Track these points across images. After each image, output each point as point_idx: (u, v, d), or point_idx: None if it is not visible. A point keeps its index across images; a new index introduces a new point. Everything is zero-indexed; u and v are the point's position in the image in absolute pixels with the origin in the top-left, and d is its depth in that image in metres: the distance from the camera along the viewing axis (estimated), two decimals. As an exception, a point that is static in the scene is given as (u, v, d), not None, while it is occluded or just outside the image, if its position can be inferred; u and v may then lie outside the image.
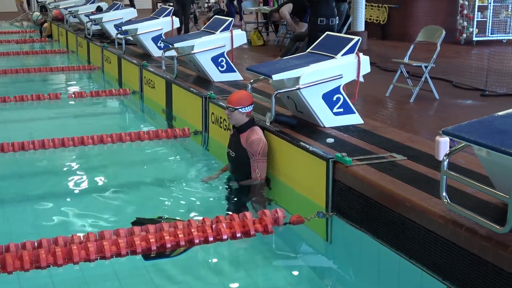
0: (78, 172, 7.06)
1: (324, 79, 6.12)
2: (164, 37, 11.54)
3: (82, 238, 4.63)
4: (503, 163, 3.59)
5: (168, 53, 9.77)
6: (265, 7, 17.52)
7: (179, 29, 15.45)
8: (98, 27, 14.77)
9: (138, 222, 5.17)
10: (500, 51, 12.34)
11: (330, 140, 5.69)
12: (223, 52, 8.97)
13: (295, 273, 4.95)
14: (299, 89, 6.01)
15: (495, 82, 9.66)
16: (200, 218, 4.99)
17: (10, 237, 4.93)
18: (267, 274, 4.88)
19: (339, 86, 6.26)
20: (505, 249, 3.40)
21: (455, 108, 8.54)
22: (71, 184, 6.64)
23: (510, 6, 15.68)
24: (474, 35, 15.30)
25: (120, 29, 12.48)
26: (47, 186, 6.58)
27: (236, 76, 9.11)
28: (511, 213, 3.38)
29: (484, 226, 3.60)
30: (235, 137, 6.08)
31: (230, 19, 9.36)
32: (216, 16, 10.60)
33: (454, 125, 3.86)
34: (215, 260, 5.04)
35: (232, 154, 6.11)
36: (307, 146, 5.51)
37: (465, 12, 15.35)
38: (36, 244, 4.52)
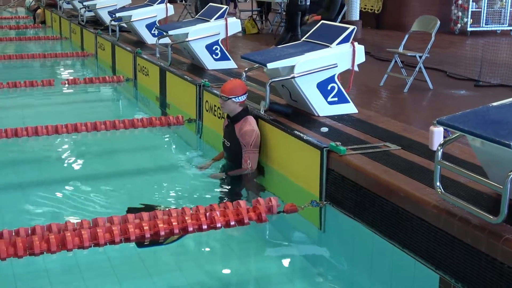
0: (71, 159, 7.06)
1: (319, 68, 6.11)
2: (158, 24, 11.50)
3: (75, 225, 4.62)
4: (496, 153, 3.61)
5: (162, 41, 9.74)
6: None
7: None
8: (92, 13, 14.72)
9: (132, 210, 5.17)
10: (494, 41, 12.35)
11: (324, 129, 5.69)
12: (218, 40, 8.96)
13: (288, 261, 4.97)
14: (293, 77, 6.00)
15: (489, 73, 9.67)
16: (194, 206, 4.98)
17: (3, 223, 4.93)
18: (261, 262, 4.90)
19: (334, 75, 6.25)
20: (498, 239, 3.42)
21: (449, 98, 8.55)
22: (64, 171, 6.65)
23: (504, -4, 15.68)
24: (468, 26, 15.30)
25: (114, 15, 12.43)
26: (41, 173, 6.58)
27: (230, 64, 9.10)
28: (504, 203, 3.39)
29: (478, 216, 3.61)
30: (230, 127, 6.07)
31: (225, 6, 9.34)
32: (210, 4, 10.56)
33: (448, 115, 3.86)
34: (208, 248, 5.06)
35: (227, 144, 6.11)
36: (301, 135, 5.51)
37: (460, 2, 15.34)
38: (29, 231, 4.51)
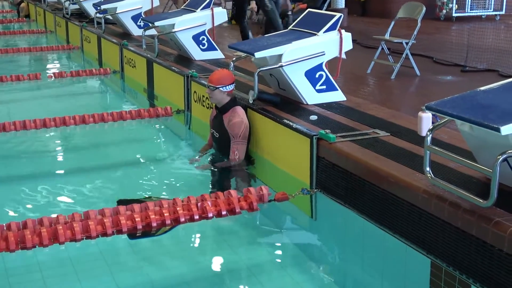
0: (60, 153, 7.05)
1: (307, 56, 6.11)
2: (144, 16, 11.46)
3: (67, 218, 4.61)
4: (485, 137, 3.63)
5: (149, 32, 9.71)
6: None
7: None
8: (76, 6, 14.62)
9: (122, 202, 5.16)
10: (480, 26, 12.40)
11: (313, 117, 5.70)
12: (204, 30, 8.93)
13: (280, 249, 4.99)
14: (281, 66, 6.00)
15: (475, 58, 9.73)
16: (185, 196, 4.98)
17: (-6, 218, 4.91)
18: (252, 251, 4.92)
19: (322, 63, 6.26)
20: (488, 222, 3.44)
21: (436, 84, 8.59)
22: (54, 165, 6.63)
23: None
24: (453, 11, 15.35)
25: (99, 8, 12.36)
26: (30, 167, 6.55)
27: (217, 54, 9.08)
28: (494, 187, 3.42)
29: (468, 200, 3.63)
30: (218, 117, 6.07)
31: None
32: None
33: (435, 100, 3.88)
34: (200, 238, 5.07)
35: (216, 134, 6.10)
36: (291, 123, 5.52)
37: (445, -12, 15.39)
38: (21, 225, 4.50)
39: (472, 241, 3.57)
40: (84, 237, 4.44)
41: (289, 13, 11.81)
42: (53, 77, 10.44)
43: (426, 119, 4.91)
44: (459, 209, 3.64)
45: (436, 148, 3.87)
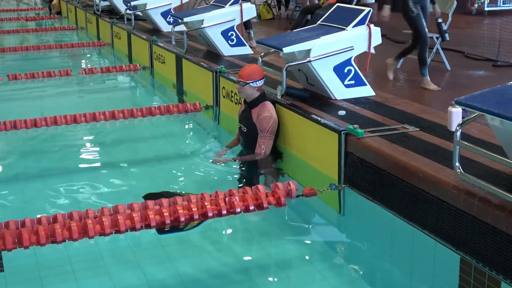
0: (90, 148, 7.11)
1: (335, 51, 6.09)
2: (173, 12, 11.51)
3: (96, 213, 4.65)
4: (516, 132, 3.59)
5: (178, 28, 9.74)
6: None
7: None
8: (107, 3, 14.75)
9: (150, 196, 5.20)
10: (512, 21, 12.21)
11: (341, 113, 5.68)
12: (233, 26, 8.95)
13: (308, 245, 4.98)
14: (310, 61, 5.99)
15: (507, 52, 9.57)
16: (213, 191, 4.99)
17: (25, 212, 4.97)
18: (280, 246, 4.91)
19: (350, 58, 6.23)
20: (519, 218, 3.40)
21: (467, 79, 8.48)
22: (84, 160, 6.69)
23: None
24: (485, 5, 15.13)
25: (129, 4, 12.44)
26: (61, 162, 6.62)
27: (246, 49, 9.09)
28: (524, 182, 3.38)
29: (498, 196, 3.59)
30: (247, 112, 6.07)
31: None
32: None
33: (466, 95, 3.84)
34: (228, 233, 5.08)
35: (244, 129, 6.11)
36: (319, 118, 5.50)
37: (477, -19, 15.19)
38: (51, 219, 4.55)
39: (502, 237, 3.53)
40: (113, 232, 4.47)
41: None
42: (84, 73, 10.53)
43: (456, 114, 4.88)
44: (489, 205, 3.60)
45: (466, 143, 3.83)
